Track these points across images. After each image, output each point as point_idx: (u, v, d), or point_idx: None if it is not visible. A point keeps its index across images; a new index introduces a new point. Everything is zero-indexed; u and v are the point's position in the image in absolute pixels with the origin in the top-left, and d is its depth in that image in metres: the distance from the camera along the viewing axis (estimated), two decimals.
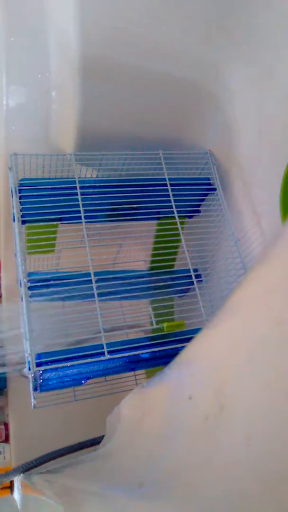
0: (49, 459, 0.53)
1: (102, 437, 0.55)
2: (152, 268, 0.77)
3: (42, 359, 0.57)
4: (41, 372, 0.56)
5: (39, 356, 0.57)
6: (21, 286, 0.62)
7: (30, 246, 0.71)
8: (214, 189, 0.78)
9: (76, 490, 0.35)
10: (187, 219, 0.81)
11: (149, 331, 0.71)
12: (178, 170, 0.79)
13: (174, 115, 0.79)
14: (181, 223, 0.72)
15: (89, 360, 0.58)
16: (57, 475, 0.44)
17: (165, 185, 0.75)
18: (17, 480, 0.52)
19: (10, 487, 0.77)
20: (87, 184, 0.72)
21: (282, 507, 0.16)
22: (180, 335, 0.64)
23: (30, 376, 0.57)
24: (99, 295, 0.63)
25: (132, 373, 0.75)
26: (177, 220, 0.72)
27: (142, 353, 0.61)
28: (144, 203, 0.75)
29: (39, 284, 0.62)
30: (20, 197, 0.68)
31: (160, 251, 0.73)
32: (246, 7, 0.61)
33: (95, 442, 0.56)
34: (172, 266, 0.81)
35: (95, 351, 0.59)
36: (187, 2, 0.61)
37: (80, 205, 0.69)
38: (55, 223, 0.72)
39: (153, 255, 0.77)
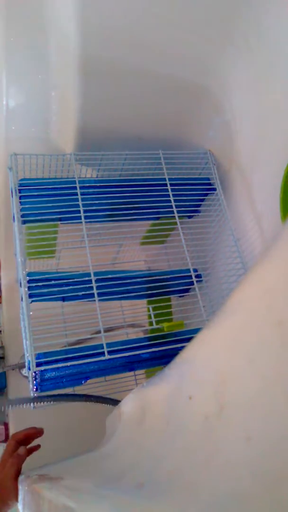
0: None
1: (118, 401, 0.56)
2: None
3: (42, 359, 0.57)
4: (40, 372, 0.56)
5: (39, 356, 0.57)
6: (21, 286, 0.62)
7: (30, 247, 0.71)
8: (214, 189, 0.78)
9: (76, 491, 0.35)
10: (187, 219, 0.81)
11: (149, 331, 0.71)
12: (178, 170, 0.79)
13: (174, 115, 0.79)
14: (175, 223, 0.72)
15: (89, 360, 0.58)
16: (56, 475, 0.44)
17: (165, 185, 0.75)
18: (20, 483, 0.52)
19: None
20: (87, 184, 0.72)
21: (281, 507, 0.16)
22: (180, 335, 0.64)
23: (30, 376, 0.57)
24: (99, 295, 0.63)
25: (132, 373, 0.75)
26: (177, 220, 0.72)
27: (142, 353, 0.61)
28: (144, 203, 0.75)
29: (39, 284, 0.62)
30: (20, 197, 0.68)
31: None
32: (246, 9, 0.61)
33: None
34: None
35: (95, 351, 0.59)
36: (187, 3, 0.61)
37: (80, 205, 0.69)
38: (55, 223, 0.72)
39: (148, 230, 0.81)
